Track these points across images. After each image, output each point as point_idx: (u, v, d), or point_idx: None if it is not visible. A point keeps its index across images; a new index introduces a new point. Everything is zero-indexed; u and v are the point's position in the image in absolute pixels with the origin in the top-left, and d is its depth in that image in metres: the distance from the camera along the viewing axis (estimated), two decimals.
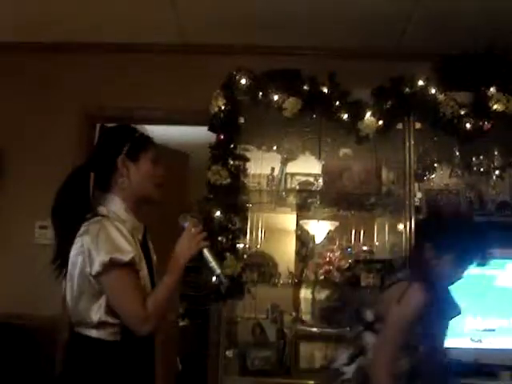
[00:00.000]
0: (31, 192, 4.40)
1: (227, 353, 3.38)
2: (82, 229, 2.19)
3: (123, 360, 2.21)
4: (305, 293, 3.83)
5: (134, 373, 2.24)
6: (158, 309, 2.19)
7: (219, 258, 2.49)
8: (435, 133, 3.64)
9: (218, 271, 2.33)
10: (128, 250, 2.17)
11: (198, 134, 3.92)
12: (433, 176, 3.96)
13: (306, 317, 3.81)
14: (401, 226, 3.60)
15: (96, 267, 2.13)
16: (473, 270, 3.53)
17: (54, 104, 4.48)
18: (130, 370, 2.23)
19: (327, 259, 3.62)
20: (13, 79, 4.58)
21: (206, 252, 2.32)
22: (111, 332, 2.19)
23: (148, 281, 2.28)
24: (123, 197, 2.32)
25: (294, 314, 3.80)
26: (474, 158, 3.96)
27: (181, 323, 5.97)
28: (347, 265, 3.62)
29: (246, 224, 3.63)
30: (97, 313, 2.18)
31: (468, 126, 3.49)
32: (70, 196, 2.29)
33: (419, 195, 3.69)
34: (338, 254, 3.66)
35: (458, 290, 3.49)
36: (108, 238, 2.16)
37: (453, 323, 3.45)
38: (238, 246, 3.35)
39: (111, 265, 2.13)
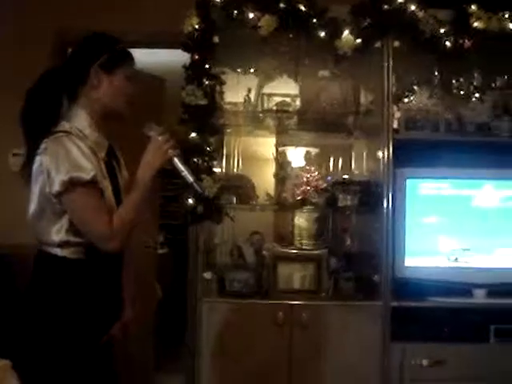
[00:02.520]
0: (3, 122, 4.32)
1: (205, 275, 3.37)
2: (42, 146, 2.12)
3: (88, 278, 2.19)
4: (283, 215, 3.83)
5: (99, 290, 2.22)
6: (124, 225, 2.15)
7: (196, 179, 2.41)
8: (414, 52, 3.56)
9: (191, 179, 2.26)
10: (89, 168, 2.11)
11: (173, 58, 3.83)
12: (412, 98, 3.91)
13: (285, 239, 3.81)
14: (379, 152, 3.56)
15: (56, 187, 2.07)
16: (450, 191, 3.58)
17: (23, 30, 4.38)
18: (96, 288, 2.21)
19: (305, 179, 3.59)
20: None
21: (176, 161, 2.24)
22: (75, 250, 2.16)
23: (113, 200, 2.23)
24: (90, 110, 2.25)
25: (272, 236, 3.81)
26: (453, 80, 3.91)
27: (160, 251, 5.98)
28: (324, 185, 3.60)
29: (223, 147, 3.58)
30: (58, 233, 2.14)
31: (448, 44, 3.42)
32: (39, 99, 2.22)
33: (397, 115, 3.64)
34: (315, 174, 3.64)
35: (435, 210, 3.54)
36: (67, 156, 2.10)
37: (429, 242, 3.53)
38: (214, 168, 3.31)
39: (72, 184, 2.08)
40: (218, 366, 3.33)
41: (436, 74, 3.83)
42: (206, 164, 3.19)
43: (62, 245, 2.15)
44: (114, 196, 2.25)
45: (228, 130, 3.71)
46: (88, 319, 2.18)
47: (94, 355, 2.22)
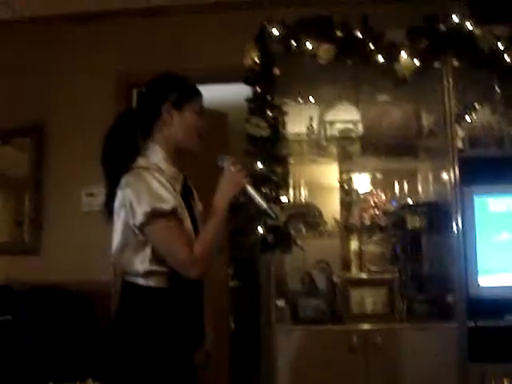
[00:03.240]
0: (74, 162, 4.49)
1: (278, 303, 3.41)
2: (123, 181, 2.23)
3: (172, 306, 2.26)
4: (352, 240, 3.84)
5: (183, 318, 2.28)
6: (204, 251, 2.23)
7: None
8: (474, 70, 3.56)
9: (265, 206, 2.34)
10: (169, 199, 2.20)
11: (235, 93, 3.93)
12: (474, 116, 3.89)
13: (355, 264, 3.82)
14: (445, 175, 3.55)
15: (139, 218, 2.17)
16: None
17: (89, 73, 4.55)
18: (180, 316, 2.27)
19: (372, 203, 3.60)
20: (45, 52, 4.66)
21: (249, 189, 2.33)
22: (158, 280, 2.24)
23: (192, 231, 2.31)
24: (164, 146, 2.35)
25: (342, 262, 3.82)
26: None
27: (231, 284, 6.03)
28: (392, 208, 3.60)
29: (288, 176, 3.64)
30: (142, 263, 2.22)
31: (507, 59, 3.43)
32: (116, 141, 2.33)
33: (461, 134, 3.63)
34: (382, 198, 3.65)
35: (506, 227, 3.50)
36: (148, 188, 2.19)
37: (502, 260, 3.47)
38: (281, 197, 3.36)
39: (154, 215, 2.16)
40: None
41: (497, 89, 3.80)
42: (273, 193, 3.24)
43: (146, 274, 2.23)
44: (191, 222, 2.33)
45: (292, 160, 3.76)
46: (173, 346, 2.24)
47: (180, 382, 2.28)
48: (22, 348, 3.87)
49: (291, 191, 3.85)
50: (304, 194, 3.94)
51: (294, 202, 3.84)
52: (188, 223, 2.30)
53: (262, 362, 4.00)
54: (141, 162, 2.30)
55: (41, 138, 4.64)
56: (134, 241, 2.22)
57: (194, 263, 2.20)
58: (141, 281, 2.24)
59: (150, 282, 2.24)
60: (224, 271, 5.13)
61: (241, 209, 3.28)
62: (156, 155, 2.34)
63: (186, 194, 2.38)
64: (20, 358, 3.81)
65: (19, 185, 4.72)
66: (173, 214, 2.20)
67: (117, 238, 2.25)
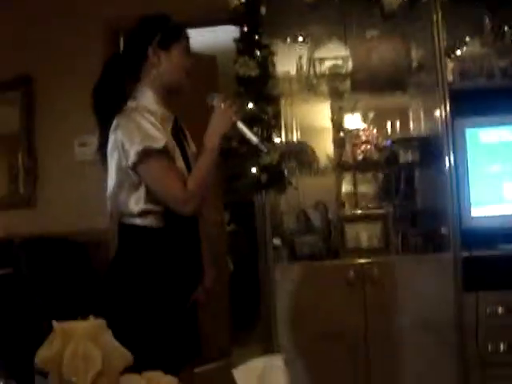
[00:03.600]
0: (65, 112, 4.48)
1: (275, 242, 3.45)
2: (114, 124, 2.25)
3: (169, 245, 2.30)
4: (345, 177, 3.86)
5: (181, 257, 2.33)
6: (198, 187, 2.27)
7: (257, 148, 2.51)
8: (463, 2, 3.53)
9: (256, 140, 2.37)
10: (160, 138, 2.23)
11: (223, 35, 3.90)
12: (464, 49, 3.87)
13: (349, 200, 3.84)
14: (436, 109, 3.55)
15: (131, 158, 2.20)
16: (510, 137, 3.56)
17: (76, 19, 4.49)
18: (177, 254, 2.32)
19: (364, 139, 3.62)
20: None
21: (239, 125, 2.36)
22: (154, 219, 2.27)
23: (185, 170, 2.33)
24: (153, 88, 2.36)
25: (336, 199, 3.85)
26: (505, 27, 3.86)
27: (228, 229, 6.10)
28: (384, 143, 3.62)
29: (280, 116, 3.63)
30: (137, 203, 2.26)
31: None
32: (106, 87, 2.34)
33: (451, 67, 3.62)
34: (374, 132, 3.66)
35: (497, 158, 3.53)
36: (139, 128, 2.22)
37: (494, 191, 3.51)
38: (273, 137, 3.37)
39: (145, 154, 2.19)
40: (294, 329, 3.41)
41: (487, 21, 3.78)
42: (265, 133, 3.25)
43: (142, 214, 2.26)
44: (183, 161, 2.35)
45: (283, 100, 3.76)
46: (172, 284, 2.29)
47: (180, 319, 2.32)
48: (24, 299, 3.92)
49: (283, 131, 3.85)
50: (296, 133, 3.95)
51: (287, 141, 3.85)
52: (181, 163, 2.32)
53: (261, 301, 4.07)
54: (131, 104, 2.32)
55: (30, 89, 4.61)
56: (128, 182, 2.25)
57: (187, 199, 2.24)
58: (137, 221, 2.27)
59: (146, 222, 2.27)
60: (220, 216, 5.17)
61: (233, 152, 3.31)
62: (146, 97, 2.35)
63: (177, 135, 2.40)
64: (23, 308, 3.87)
65: (11, 139, 4.71)
66: (164, 152, 2.23)
67: (111, 180, 2.28)
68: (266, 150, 2.61)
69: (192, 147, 2.51)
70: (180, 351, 2.29)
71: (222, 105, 2.34)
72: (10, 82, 4.58)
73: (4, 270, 4.10)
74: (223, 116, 2.33)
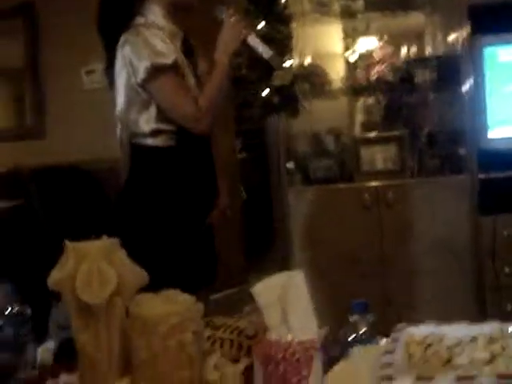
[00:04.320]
0: (70, 40, 4.36)
1: (288, 165, 3.39)
2: (121, 40, 2.17)
3: (182, 165, 2.24)
4: (359, 99, 3.75)
5: (194, 177, 2.26)
6: (209, 105, 2.19)
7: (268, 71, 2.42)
8: None
9: (269, 53, 2.26)
10: (169, 53, 2.15)
11: None
12: None
13: (363, 123, 3.75)
14: (454, 27, 3.41)
15: (141, 75, 2.12)
16: None
17: None
18: (190, 175, 2.25)
19: (378, 59, 3.50)
20: None
21: (250, 39, 2.24)
22: (166, 138, 2.21)
23: (195, 88, 2.26)
24: (161, 3, 2.26)
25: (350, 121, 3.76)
26: None
27: (239, 156, 6.02)
28: (400, 62, 3.50)
29: (292, 37, 3.51)
30: (148, 122, 2.19)
31: None
32: (111, 5, 2.25)
33: None
34: (389, 51, 3.53)
35: None
36: (147, 44, 2.14)
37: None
38: (285, 59, 3.27)
39: (155, 70, 2.12)
40: (309, 252, 3.38)
41: None
42: (277, 53, 3.14)
43: (153, 134, 2.20)
44: (194, 77, 2.27)
45: (294, 22, 3.62)
46: (186, 205, 2.23)
47: (195, 241, 2.27)
48: (36, 230, 3.91)
49: (295, 53, 3.73)
50: (308, 55, 3.82)
51: (299, 64, 3.73)
52: (191, 80, 2.25)
53: (275, 226, 4.04)
54: (138, 20, 2.23)
55: (32, 17, 4.48)
56: (137, 100, 2.18)
57: (199, 117, 2.18)
58: (148, 141, 2.21)
59: (158, 142, 2.21)
60: (232, 144, 5.09)
61: (243, 79, 3.22)
62: (153, 13, 2.26)
63: (187, 52, 2.31)
64: (35, 238, 3.86)
65: (16, 71, 4.62)
66: (174, 68, 2.16)
67: (120, 99, 2.21)
68: (278, 66, 2.49)
69: (202, 65, 2.42)
70: (195, 273, 2.24)
71: (231, 19, 2.24)
72: (11, 10, 4.45)
73: (15, 201, 4.08)
74: (233, 30, 2.23)
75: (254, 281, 1.25)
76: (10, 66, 4.64)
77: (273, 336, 1.13)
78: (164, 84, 2.15)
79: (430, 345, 0.97)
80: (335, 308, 1.80)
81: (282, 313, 1.14)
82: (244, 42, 2.25)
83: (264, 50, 2.25)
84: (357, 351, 1.16)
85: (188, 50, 2.33)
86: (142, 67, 2.11)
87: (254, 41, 2.25)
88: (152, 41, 2.14)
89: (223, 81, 2.24)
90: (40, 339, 1.57)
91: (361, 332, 1.24)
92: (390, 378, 0.95)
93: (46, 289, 1.35)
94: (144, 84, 2.14)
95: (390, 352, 1.01)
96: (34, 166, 4.22)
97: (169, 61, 2.13)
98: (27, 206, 4.07)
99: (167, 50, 2.15)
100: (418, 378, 0.93)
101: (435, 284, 3.34)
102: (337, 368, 1.13)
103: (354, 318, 1.26)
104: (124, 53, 2.15)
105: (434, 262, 3.33)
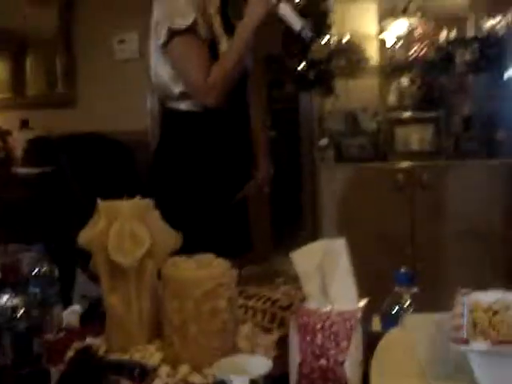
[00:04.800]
0: (102, 9, 4.31)
1: (321, 142, 3.33)
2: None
3: (211, 131, 2.15)
4: (397, 77, 3.67)
5: (225, 145, 2.17)
6: (222, 77, 2.05)
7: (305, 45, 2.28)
8: None
9: (301, 24, 2.00)
10: (189, 13, 2.02)
11: None
12: None
13: (400, 102, 3.67)
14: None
15: (162, 38, 2.05)
16: None
17: None
18: (221, 142, 2.16)
19: (419, 36, 3.40)
20: None
21: (281, 7, 2.01)
22: (195, 102, 2.12)
23: None
24: None
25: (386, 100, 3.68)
26: None
27: (271, 134, 5.95)
28: (441, 41, 3.41)
29: (329, 13, 3.43)
30: (176, 84, 2.11)
31: None
32: None
33: None
34: (430, 28, 3.44)
35: None
36: (171, 3, 2.05)
37: None
38: (322, 35, 3.20)
39: (172, 33, 2.02)
40: (340, 232, 3.32)
41: None
42: (315, 28, 3.06)
43: (182, 97, 2.11)
44: None
45: None
46: (218, 175, 2.15)
47: (228, 210, 2.19)
48: (67, 195, 3.90)
49: (334, 29, 3.65)
50: (347, 32, 3.73)
51: (337, 40, 3.65)
52: (224, 48, 2.12)
53: (304, 202, 3.97)
54: None
55: None
56: (166, 62, 2.11)
57: (206, 89, 2.05)
58: (179, 105, 2.13)
59: (188, 106, 2.12)
60: (264, 120, 5.03)
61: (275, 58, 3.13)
62: None
63: (226, 17, 2.21)
64: (66, 203, 3.85)
65: (49, 41, 4.60)
66: (191, 31, 2.03)
67: (151, 62, 2.15)
68: (310, 38, 2.24)
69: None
70: (229, 240, 2.15)
71: None
72: None
73: (46, 167, 4.07)
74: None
75: (280, 258, 1.20)
76: (42, 34, 4.62)
77: (311, 305, 1.08)
78: (175, 48, 2.05)
79: (496, 312, 0.92)
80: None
81: (321, 282, 1.09)
82: (274, 12, 2.03)
83: (294, 21, 2.01)
84: (410, 319, 1.10)
85: (228, 16, 2.22)
86: (163, 29, 2.03)
87: (285, 10, 2.02)
88: (179, 1, 2.03)
89: (241, 52, 2.08)
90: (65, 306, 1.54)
91: (405, 305, 1.18)
92: (465, 341, 0.90)
93: (74, 255, 1.31)
94: (164, 47, 2.06)
95: (459, 315, 0.95)
96: (64, 134, 4.20)
97: (184, 23, 2.01)
98: (57, 172, 4.05)
99: (188, 9, 2.02)
100: (494, 343, 0.88)
101: (463, 268, 3.27)
102: (389, 336, 1.08)
103: (397, 290, 1.21)
104: (154, 10, 2.08)
105: (464, 247, 3.26)
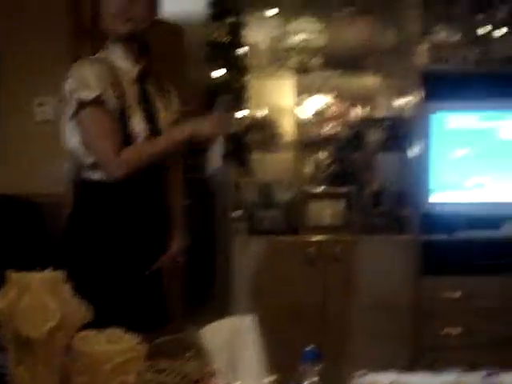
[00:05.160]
0: (23, 73, 4.29)
1: (234, 214, 3.38)
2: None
3: (123, 202, 2.15)
4: (310, 153, 3.79)
5: (137, 216, 2.17)
6: (135, 159, 2.09)
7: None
8: None
9: (219, 164, 2.19)
10: (96, 87, 2.05)
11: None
12: (438, 34, 3.83)
13: (312, 177, 3.78)
14: (407, 91, 3.50)
15: (71, 108, 2.08)
16: (476, 124, 3.54)
17: None
18: (132, 213, 2.16)
19: (332, 115, 3.55)
20: None
21: (221, 139, 2.17)
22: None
23: (143, 126, 2.15)
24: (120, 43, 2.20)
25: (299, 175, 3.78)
26: (478, 14, 3.84)
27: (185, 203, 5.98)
28: (353, 120, 3.57)
29: (247, 88, 3.53)
30: (88, 154, 2.11)
31: None
32: None
33: (424, 50, 3.58)
34: (343, 108, 3.59)
35: (462, 144, 3.51)
36: (80, 76, 2.07)
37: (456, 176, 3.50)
38: (240, 108, 3.29)
39: (79, 105, 2.05)
40: (251, 305, 3.34)
41: (461, 6, 3.75)
42: (234, 102, 3.16)
43: (94, 167, 2.11)
44: (147, 123, 2.17)
45: (251, 73, 3.65)
46: (132, 245, 2.15)
47: (141, 285, 2.19)
48: None
49: (249, 104, 3.75)
50: (263, 107, 3.85)
51: (252, 114, 3.75)
52: (138, 122, 2.14)
53: (216, 275, 4.00)
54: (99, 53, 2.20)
55: None
56: (76, 132, 2.12)
57: (117, 164, 2.07)
58: (91, 175, 2.13)
59: (99, 176, 2.12)
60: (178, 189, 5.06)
61: None
62: (113, 51, 2.20)
63: (143, 88, 2.22)
64: None
65: None
66: (98, 103, 2.05)
67: (65, 130, 2.15)
68: (217, 172, 2.36)
69: (173, 109, 2.33)
70: (143, 314, 2.14)
71: (224, 111, 2.21)
72: None
73: None
74: (218, 121, 2.16)
75: (192, 329, 1.22)
76: None
77: (219, 381, 1.10)
78: (83, 121, 2.07)
79: None
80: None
81: (230, 357, 1.11)
82: (209, 139, 2.17)
83: (218, 159, 2.18)
84: None
85: (146, 86, 2.24)
86: (72, 101, 2.06)
87: (217, 146, 2.17)
88: (85, 73, 2.07)
89: (165, 151, 2.14)
90: None
91: (311, 382, 1.21)
92: None
93: None
94: (72, 117, 2.09)
95: None
96: None
97: (93, 94, 2.04)
98: None
99: (96, 83, 2.05)
100: None
101: (372, 341, 3.34)
102: None
103: (304, 367, 1.24)
104: (65, 86, 2.10)
105: (373, 319, 3.34)
